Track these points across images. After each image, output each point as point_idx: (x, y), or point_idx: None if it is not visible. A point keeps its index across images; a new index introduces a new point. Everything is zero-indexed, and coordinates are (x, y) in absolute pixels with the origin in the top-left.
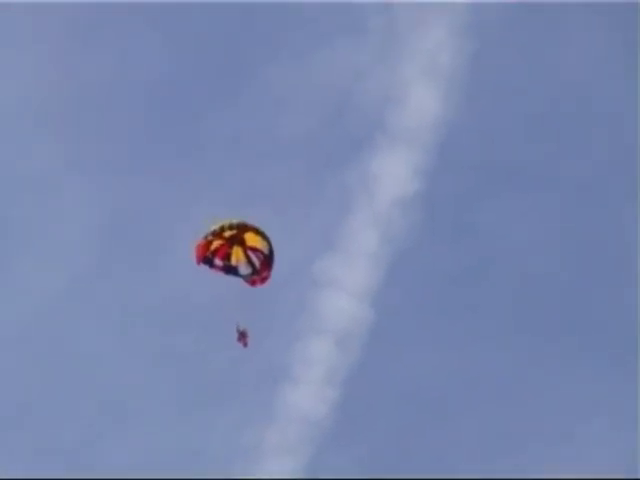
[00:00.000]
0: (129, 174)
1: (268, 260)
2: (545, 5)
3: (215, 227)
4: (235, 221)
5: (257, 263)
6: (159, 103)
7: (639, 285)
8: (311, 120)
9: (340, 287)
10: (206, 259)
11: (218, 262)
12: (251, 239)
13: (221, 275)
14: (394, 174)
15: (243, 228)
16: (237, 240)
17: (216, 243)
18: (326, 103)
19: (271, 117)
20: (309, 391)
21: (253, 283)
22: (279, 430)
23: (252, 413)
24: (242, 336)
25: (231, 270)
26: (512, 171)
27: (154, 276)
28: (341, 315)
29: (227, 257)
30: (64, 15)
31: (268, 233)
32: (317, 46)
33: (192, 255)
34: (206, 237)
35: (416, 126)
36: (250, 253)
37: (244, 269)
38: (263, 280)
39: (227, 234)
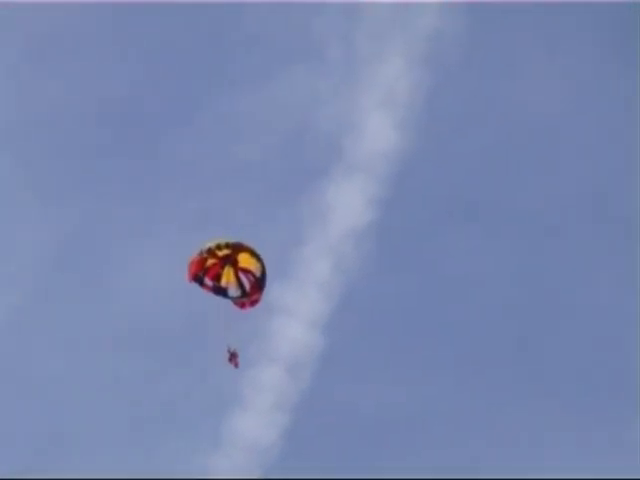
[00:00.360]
0: (83, 195)
1: (259, 283)
2: (506, 37)
3: (211, 244)
4: (231, 241)
5: (247, 286)
6: (115, 125)
7: (593, 313)
8: (267, 146)
9: (292, 315)
10: (197, 277)
11: (208, 282)
12: (244, 260)
13: (211, 295)
14: (349, 203)
15: (238, 248)
16: (230, 260)
17: (209, 262)
18: (283, 130)
19: (227, 142)
20: (258, 418)
21: (242, 306)
22: (227, 456)
23: (201, 439)
24: (233, 357)
25: (220, 291)
26: (467, 204)
27: (106, 298)
28: (292, 343)
29: (217, 278)
30: (15, 34)
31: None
32: (276, 72)
33: (185, 271)
34: (201, 254)
35: (372, 156)
36: (241, 275)
37: (233, 291)
38: (253, 303)
39: (221, 253)
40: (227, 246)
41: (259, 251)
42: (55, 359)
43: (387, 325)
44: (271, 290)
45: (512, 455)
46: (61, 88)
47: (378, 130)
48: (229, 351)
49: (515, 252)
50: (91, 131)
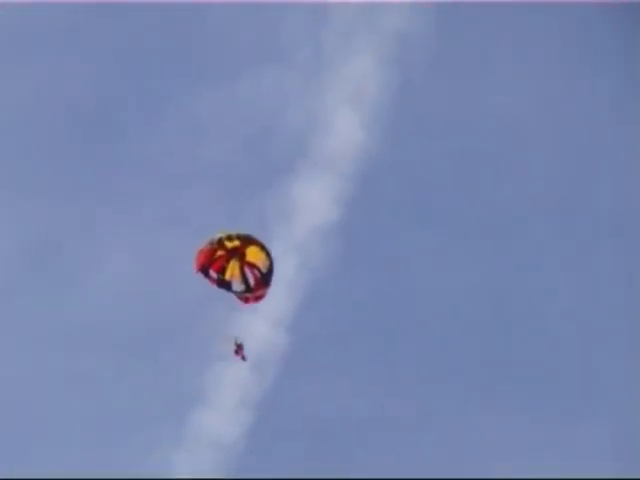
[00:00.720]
0: (49, 193)
1: (265, 278)
2: (474, 38)
3: (221, 235)
4: (242, 233)
5: (251, 280)
6: (79, 123)
7: (554, 321)
8: (233, 145)
9: (257, 312)
10: (203, 268)
11: (212, 274)
12: (252, 254)
13: (214, 287)
14: (315, 202)
15: (248, 241)
16: (238, 253)
17: (218, 253)
18: (249, 128)
19: (193, 141)
20: (222, 415)
21: (246, 301)
22: (190, 453)
23: (164, 436)
24: (239, 349)
25: (224, 284)
26: (432, 205)
27: (71, 296)
28: (257, 340)
29: (222, 270)
30: None
31: (185, 256)
32: (243, 72)
33: (193, 260)
34: (211, 243)
35: (339, 155)
36: (247, 269)
37: (237, 286)
38: (257, 299)
39: (230, 245)
40: (238, 238)
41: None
42: (19, 356)
43: (352, 325)
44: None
45: (473, 457)
46: (25, 87)
47: (345, 129)
48: (236, 343)
49: (479, 253)
50: (57, 130)
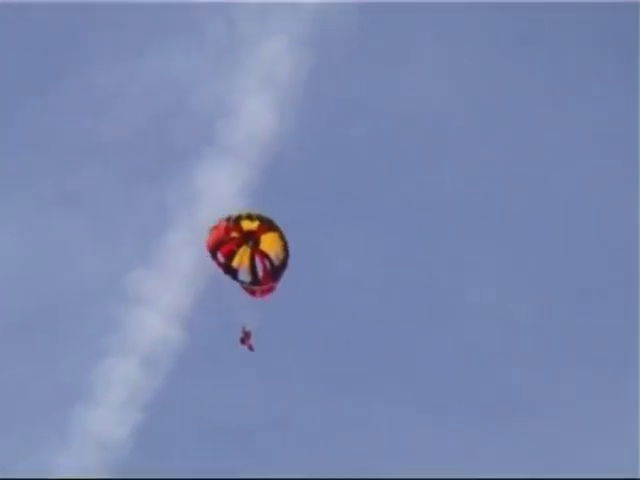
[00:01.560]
0: None
1: (275, 272)
2: (395, 25)
3: (241, 212)
4: (264, 215)
5: (260, 272)
6: None
7: (467, 322)
8: (134, 123)
9: (151, 305)
10: (215, 247)
11: (220, 258)
12: (268, 242)
13: (220, 272)
14: (220, 190)
15: (267, 226)
16: (252, 238)
17: (232, 234)
18: (154, 107)
19: (91, 117)
20: (109, 413)
21: (253, 293)
22: (73, 453)
23: (45, 434)
24: (246, 337)
25: (230, 271)
26: (345, 196)
27: None
28: (150, 335)
29: (231, 255)
30: None
31: (78, 240)
32: (149, 47)
33: (205, 237)
34: (228, 220)
35: (248, 141)
36: (257, 259)
37: (244, 276)
38: (265, 292)
39: (247, 227)
40: (259, 219)
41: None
42: None
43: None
44: (130, 277)
45: (382, 458)
46: None
47: (255, 114)
48: (243, 330)
49: (393, 248)
50: None
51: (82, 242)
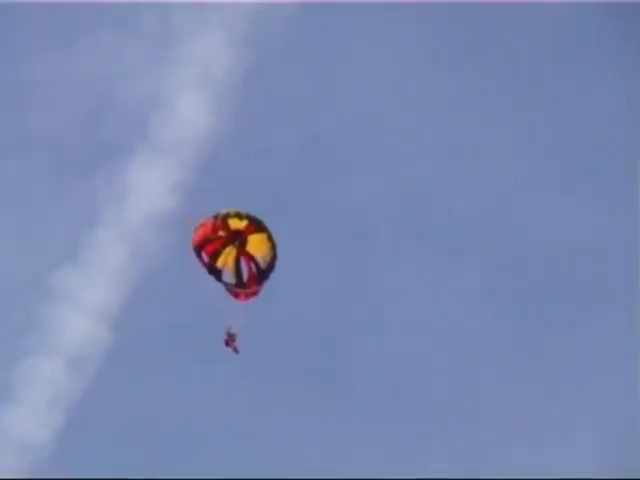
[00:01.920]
0: None
1: (261, 275)
2: (334, 24)
3: (229, 210)
4: (253, 215)
5: (245, 275)
6: None
7: (394, 327)
8: (64, 116)
9: (78, 304)
10: (200, 244)
11: (204, 257)
12: (255, 243)
13: (204, 272)
14: (151, 187)
15: (256, 226)
16: (239, 239)
17: (219, 232)
18: (85, 101)
19: (19, 109)
20: (30, 415)
21: (237, 296)
22: None
23: None
24: (231, 340)
25: (214, 271)
26: (279, 197)
27: None
28: (76, 335)
29: (215, 254)
30: None
31: (3, 235)
32: (81, 38)
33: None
34: (215, 217)
35: (181, 138)
36: (242, 261)
37: (228, 277)
38: (250, 295)
39: (234, 225)
40: (248, 218)
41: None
42: None
43: (183, 323)
44: (57, 274)
45: (309, 464)
46: None
47: (189, 110)
48: (228, 332)
49: (328, 251)
50: None
51: (7, 238)
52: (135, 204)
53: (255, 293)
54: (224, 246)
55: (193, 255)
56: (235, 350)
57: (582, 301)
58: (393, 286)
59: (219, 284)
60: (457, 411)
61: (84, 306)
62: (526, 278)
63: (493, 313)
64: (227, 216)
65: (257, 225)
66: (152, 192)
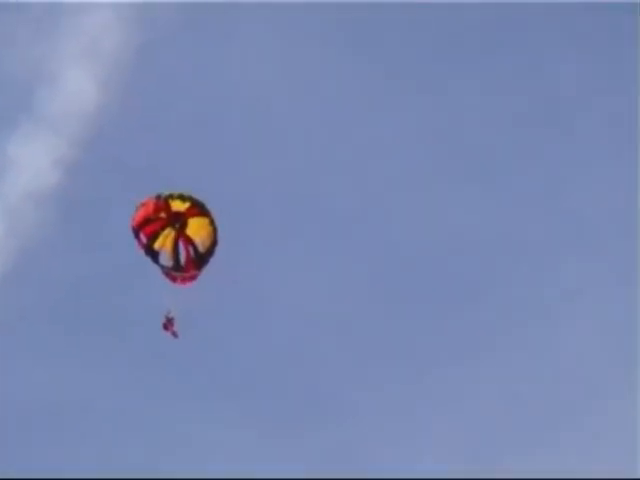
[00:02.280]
0: None
1: (199, 260)
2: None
3: (172, 192)
4: (197, 198)
5: (183, 258)
6: None
7: (280, 321)
8: None
9: None
10: (140, 225)
11: (142, 238)
12: (195, 226)
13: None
14: (31, 162)
15: (198, 209)
16: (178, 220)
17: (159, 213)
18: None
19: None
20: None
21: (173, 279)
22: None
23: None
24: (169, 324)
25: (151, 253)
26: (164, 174)
27: None
28: None
29: (154, 236)
30: None
31: None
32: None
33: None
34: (157, 197)
35: (66, 113)
36: (181, 243)
37: (165, 260)
38: (187, 280)
39: (175, 207)
40: (190, 200)
41: None
42: None
43: (56, 302)
44: None
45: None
46: None
47: (76, 85)
48: (167, 317)
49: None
50: None
51: None
52: (14, 179)
53: (193, 277)
54: (163, 228)
55: (72, 231)
56: (174, 334)
57: (467, 288)
58: (272, 271)
59: (157, 266)
60: (339, 404)
61: None
62: (412, 270)
63: (376, 305)
64: (170, 197)
65: (200, 208)
66: (34, 166)
